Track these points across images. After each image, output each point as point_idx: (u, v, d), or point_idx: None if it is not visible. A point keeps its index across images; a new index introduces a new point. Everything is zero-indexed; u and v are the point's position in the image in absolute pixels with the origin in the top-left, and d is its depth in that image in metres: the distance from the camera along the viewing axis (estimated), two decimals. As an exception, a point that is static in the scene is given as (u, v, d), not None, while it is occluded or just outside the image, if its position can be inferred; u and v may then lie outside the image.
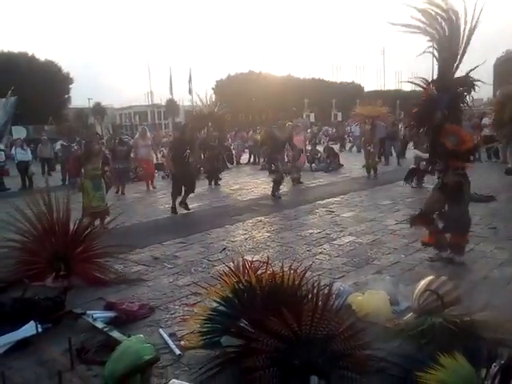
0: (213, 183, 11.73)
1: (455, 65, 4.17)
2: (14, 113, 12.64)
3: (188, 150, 7.96)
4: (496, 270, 4.16)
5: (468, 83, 4.24)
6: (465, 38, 4.05)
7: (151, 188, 11.41)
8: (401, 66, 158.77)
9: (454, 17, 4.00)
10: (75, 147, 13.48)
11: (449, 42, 4.09)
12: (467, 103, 4.33)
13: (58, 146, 14.39)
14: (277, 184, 9.13)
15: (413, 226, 4.84)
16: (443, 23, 4.03)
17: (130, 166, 12.04)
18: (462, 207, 4.40)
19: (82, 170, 6.66)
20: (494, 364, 2.21)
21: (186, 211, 7.94)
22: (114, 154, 10.75)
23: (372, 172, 11.41)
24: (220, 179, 12.02)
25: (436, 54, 4.22)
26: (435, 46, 4.18)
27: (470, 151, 4.49)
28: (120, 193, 10.69)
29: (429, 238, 4.64)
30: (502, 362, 2.22)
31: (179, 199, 7.97)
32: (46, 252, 4.31)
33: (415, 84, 4.53)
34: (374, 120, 11.34)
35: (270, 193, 9.17)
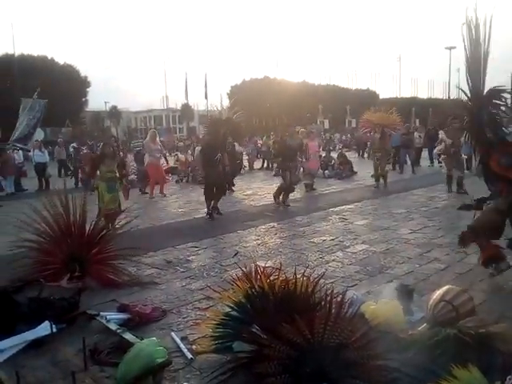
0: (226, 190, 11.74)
1: (482, 80, 4.08)
2: (42, 116, 12.76)
3: (219, 154, 7.92)
4: (511, 281, 4.09)
5: (495, 95, 4.12)
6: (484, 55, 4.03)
7: (161, 194, 11.02)
8: (417, 73, 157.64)
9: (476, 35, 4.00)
10: (84, 150, 13.67)
11: (474, 58, 4.05)
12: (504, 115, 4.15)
13: (71, 148, 14.62)
14: (281, 190, 8.98)
15: (462, 245, 4.43)
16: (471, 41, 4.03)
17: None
18: None
19: (98, 171, 6.79)
20: (509, 377, 2.18)
21: (216, 215, 7.93)
22: (137, 156, 10.93)
23: (382, 181, 11.01)
24: (234, 185, 11.99)
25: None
26: (465, 61, 4.12)
27: None
28: (148, 193, 10.86)
29: (484, 254, 4.22)
30: (517, 374, 2.18)
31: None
32: (62, 253, 4.37)
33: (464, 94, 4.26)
34: (384, 128, 11.07)
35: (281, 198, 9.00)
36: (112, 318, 3.31)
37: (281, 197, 8.96)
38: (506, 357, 2.47)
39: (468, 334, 2.60)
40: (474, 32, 3.99)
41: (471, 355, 2.44)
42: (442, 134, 10.16)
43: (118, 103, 58.93)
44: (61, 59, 47.34)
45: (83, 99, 48.88)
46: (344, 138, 30.86)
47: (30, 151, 13.96)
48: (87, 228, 4.52)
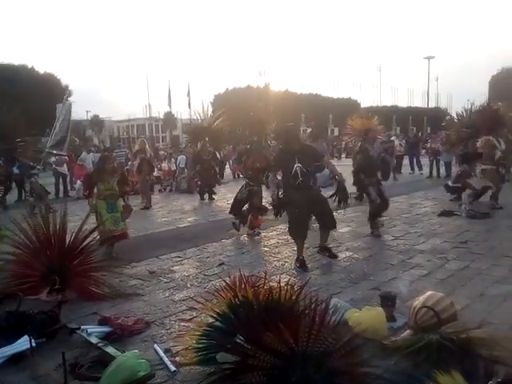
0: (206, 197, 11.70)
1: None
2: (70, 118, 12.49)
3: (297, 165, 5.09)
4: (492, 286, 4.16)
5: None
6: None
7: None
8: (397, 82, 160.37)
9: None
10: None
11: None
12: None
13: (53, 158, 14.32)
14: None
15: None
16: None
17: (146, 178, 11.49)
18: None
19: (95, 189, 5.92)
20: (491, 382, 2.21)
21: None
22: (139, 167, 10.76)
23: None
24: (215, 193, 11.98)
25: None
26: None
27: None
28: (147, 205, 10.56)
29: None
30: (499, 379, 2.22)
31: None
32: (41, 265, 4.28)
33: None
34: (367, 134, 11.29)
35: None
36: (93, 331, 3.25)
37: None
38: (487, 362, 2.50)
39: (450, 340, 2.63)
40: None
41: (453, 361, 2.47)
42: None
43: (99, 112, 58.52)
44: (41, 68, 46.82)
45: (64, 108, 48.28)
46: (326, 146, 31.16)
47: (65, 156, 13.74)
48: (67, 239, 4.44)
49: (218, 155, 12.73)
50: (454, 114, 12.14)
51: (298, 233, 5.11)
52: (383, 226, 6.68)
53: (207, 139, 11.90)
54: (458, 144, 9.58)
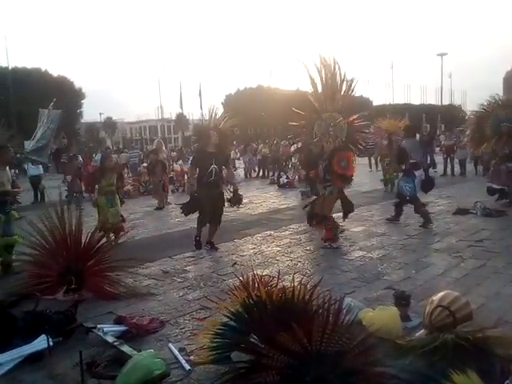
0: None
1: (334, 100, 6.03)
2: (56, 127, 12.46)
3: (213, 166, 5.91)
4: (508, 285, 4.11)
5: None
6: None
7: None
8: (409, 79, 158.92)
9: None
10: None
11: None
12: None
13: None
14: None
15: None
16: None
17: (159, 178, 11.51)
18: None
19: (96, 186, 6.52)
20: (507, 381, 2.19)
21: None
22: (133, 167, 10.90)
23: (389, 186, 11.46)
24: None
25: None
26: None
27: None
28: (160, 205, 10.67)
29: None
30: (516, 379, 2.19)
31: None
32: (58, 265, 4.35)
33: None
34: (391, 135, 11.32)
35: (278, 206, 8.81)
36: (109, 330, 3.29)
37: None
38: (504, 362, 2.47)
39: (466, 339, 2.60)
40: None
41: (469, 360, 2.44)
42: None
43: (112, 114, 59.17)
44: (55, 71, 47.49)
45: (78, 111, 48.88)
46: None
47: (46, 163, 13.78)
48: (83, 240, 4.50)
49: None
50: (468, 111, 11.91)
51: (202, 220, 6.13)
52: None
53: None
54: (495, 140, 8.65)
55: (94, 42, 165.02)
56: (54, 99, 11.80)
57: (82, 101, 48.93)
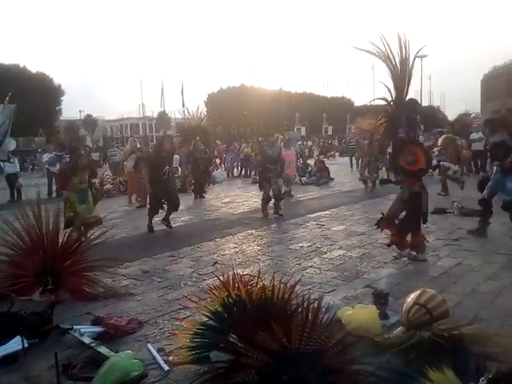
0: (198, 196, 11.75)
1: (405, 91, 4.85)
2: (12, 122, 12.12)
3: (167, 167, 7.45)
4: (483, 283, 4.20)
5: (411, 106, 4.94)
6: (408, 71, 4.78)
7: (134, 201, 11.17)
8: (389, 81, 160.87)
9: (402, 54, 4.72)
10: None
11: (399, 72, 4.77)
12: (418, 123, 5.12)
13: (45, 158, 14.17)
14: (264, 202, 8.53)
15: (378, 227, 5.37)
16: (395, 57, 4.73)
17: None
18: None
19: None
20: (482, 378, 2.22)
21: (168, 228, 7.60)
22: (112, 165, 10.76)
23: (370, 184, 11.53)
24: (205, 192, 12.03)
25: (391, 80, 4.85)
26: (390, 73, 4.81)
27: (422, 171, 5.04)
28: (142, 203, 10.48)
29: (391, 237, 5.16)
30: (490, 376, 2.23)
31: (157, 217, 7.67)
32: (34, 265, 4.26)
33: (384, 100, 5.05)
34: (372, 135, 11.49)
35: (260, 205, 8.84)
36: (86, 331, 3.23)
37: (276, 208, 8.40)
38: (479, 358, 2.52)
39: (442, 337, 2.65)
40: (400, 51, 4.69)
41: (445, 357, 2.49)
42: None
43: (93, 112, 58.27)
44: (33, 68, 46.54)
45: (57, 108, 48.06)
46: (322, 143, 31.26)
47: (6, 160, 13.40)
48: (60, 239, 4.42)
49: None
50: (446, 113, 12.12)
51: (154, 211, 7.51)
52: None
53: (198, 138, 11.96)
54: None
55: (75, 39, 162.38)
56: (10, 93, 11.52)
57: (62, 98, 48.15)
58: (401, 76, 4.76)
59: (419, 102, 5.14)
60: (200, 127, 12.13)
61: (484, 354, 2.65)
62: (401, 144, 4.95)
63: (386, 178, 10.35)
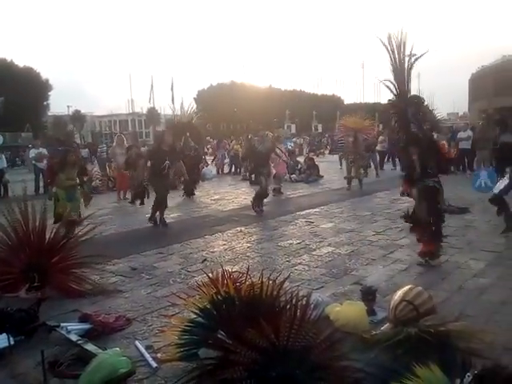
0: (188, 193, 11.57)
1: (406, 87, 4.79)
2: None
3: (167, 162, 7.46)
4: (470, 280, 4.25)
5: (417, 101, 4.84)
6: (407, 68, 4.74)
7: (122, 198, 11.13)
8: (379, 78, 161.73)
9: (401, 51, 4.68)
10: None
11: (400, 69, 4.73)
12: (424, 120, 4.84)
13: (32, 153, 13.95)
14: (259, 198, 8.61)
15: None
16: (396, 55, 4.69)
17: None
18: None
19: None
20: (468, 374, 2.25)
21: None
22: (100, 161, 10.65)
23: (354, 183, 11.49)
24: (195, 189, 11.92)
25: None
26: (392, 70, 4.75)
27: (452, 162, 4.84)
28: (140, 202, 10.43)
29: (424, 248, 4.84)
30: (476, 371, 2.26)
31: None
32: (20, 262, 4.21)
33: (392, 92, 4.87)
34: (357, 133, 11.51)
35: (250, 203, 8.92)
36: (73, 328, 3.21)
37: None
38: (465, 354, 2.56)
39: (428, 333, 2.68)
40: (399, 48, 4.65)
41: (432, 353, 2.51)
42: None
43: (81, 107, 57.59)
44: (20, 62, 45.90)
45: (44, 103, 47.46)
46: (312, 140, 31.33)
47: None
48: (47, 236, 4.37)
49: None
50: (434, 110, 12.17)
51: (162, 206, 7.56)
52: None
53: (188, 134, 11.88)
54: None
55: (63, 33, 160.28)
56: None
57: (49, 93, 47.55)
58: (401, 72, 4.76)
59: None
60: (190, 124, 12.07)
61: (470, 350, 2.69)
62: (418, 139, 4.73)
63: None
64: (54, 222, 5.68)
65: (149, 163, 7.82)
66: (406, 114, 4.78)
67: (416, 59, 4.71)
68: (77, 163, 6.53)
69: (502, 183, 6.07)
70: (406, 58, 4.72)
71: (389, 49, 4.66)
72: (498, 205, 6.08)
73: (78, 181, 6.44)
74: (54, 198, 6.29)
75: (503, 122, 6.80)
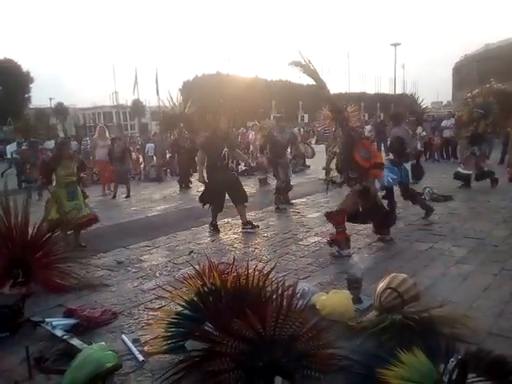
0: (183, 186, 11.44)
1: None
2: None
3: (225, 149, 6.18)
4: (453, 267, 4.32)
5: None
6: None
7: (107, 191, 11.00)
8: (365, 69, 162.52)
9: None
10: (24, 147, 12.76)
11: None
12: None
13: (12, 147, 13.65)
14: (279, 192, 8.01)
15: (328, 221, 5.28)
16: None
17: (129, 166, 11.50)
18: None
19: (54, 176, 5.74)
20: (452, 359, 2.29)
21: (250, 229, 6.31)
22: (111, 155, 10.46)
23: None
24: (191, 182, 11.83)
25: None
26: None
27: (381, 165, 5.11)
28: (126, 196, 10.38)
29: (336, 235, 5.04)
30: (459, 357, 2.30)
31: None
32: (3, 258, 4.14)
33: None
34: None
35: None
36: (58, 324, 3.17)
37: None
38: (449, 340, 2.60)
39: (412, 319, 2.72)
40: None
41: (416, 339, 2.55)
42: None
43: (64, 100, 56.64)
44: (0, 54, 44.82)
45: (26, 95, 46.51)
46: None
47: None
48: (30, 231, 4.30)
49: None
50: (420, 101, 12.12)
51: (216, 207, 6.37)
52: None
53: (182, 125, 11.74)
54: (469, 125, 9.09)
55: (43, 24, 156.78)
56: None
57: (31, 85, 46.59)
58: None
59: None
60: (184, 114, 11.89)
61: (453, 335, 2.74)
62: (353, 140, 4.91)
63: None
64: (52, 229, 4.78)
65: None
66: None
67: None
68: (74, 157, 5.99)
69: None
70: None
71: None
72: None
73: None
74: (48, 200, 5.61)
75: (396, 116, 7.05)
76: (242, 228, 6.35)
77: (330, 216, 5.15)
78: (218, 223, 6.86)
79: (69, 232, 5.38)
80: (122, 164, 10.49)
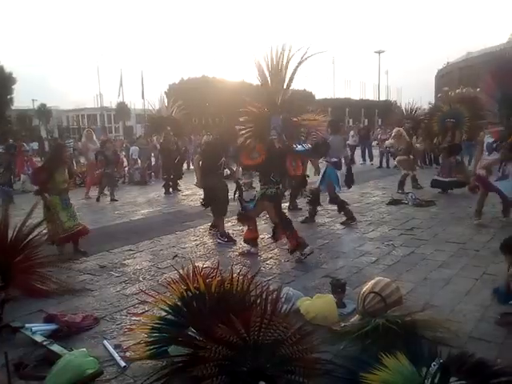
0: (170, 190, 11.20)
1: (281, 95, 5.14)
2: None
3: (223, 158, 6.12)
4: (435, 271, 4.37)
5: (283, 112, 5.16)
6: (287, 77, 5.10)
7: (88, 194, 10.76)
8: (350, 75, 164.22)
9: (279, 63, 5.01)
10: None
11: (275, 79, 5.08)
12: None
13: None
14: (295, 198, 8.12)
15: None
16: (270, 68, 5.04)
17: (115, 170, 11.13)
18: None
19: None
20: (434, 363, 2.31)
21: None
22: (106, 157, 10.31)
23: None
24: (179, 185, 11.70)
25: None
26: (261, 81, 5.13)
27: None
28: (110, 199, 10.19)
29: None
30: (441, 360, 2.32)
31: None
32: (-19, 263, 4.03)
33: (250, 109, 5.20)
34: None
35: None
36: (38, 329, 3.11)
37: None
38: (431, 343, 2.63)
39: (395, 323, 2.74)
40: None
41: (399, 343, 2.57)
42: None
43: (47, 101, 55.75)
44: (-19, 54, 43.98)
45: (8, 97, 45.65)
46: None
47: None
48: (9, 235, 4.21)
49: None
50: (403, 107, 12.27)
51: (223, 211, 6.15)
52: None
53: (169, 129, 11.66)
54: (444, 136, 9.09)
55: (26, 23, 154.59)
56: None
57: (13, 86, 45.74)
58: (275, 78, 5.05)
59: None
60: (171, 117, 11.80)
61: (436, 339, 2.77)
62: (280, 152, 5.02)
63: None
64: (52, 241, 4.86)
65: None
66: (268, 121, 5.02)
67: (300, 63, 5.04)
68: (68, 161, 5.62)
69: None
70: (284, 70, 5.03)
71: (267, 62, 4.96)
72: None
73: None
74: (49, 209, 5.25)
75: (334, 125, 7.18)
76: (218, 238, 6.04)
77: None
78: (202, 227, 6.84)
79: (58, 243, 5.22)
80: (114, 167, 10.46)
